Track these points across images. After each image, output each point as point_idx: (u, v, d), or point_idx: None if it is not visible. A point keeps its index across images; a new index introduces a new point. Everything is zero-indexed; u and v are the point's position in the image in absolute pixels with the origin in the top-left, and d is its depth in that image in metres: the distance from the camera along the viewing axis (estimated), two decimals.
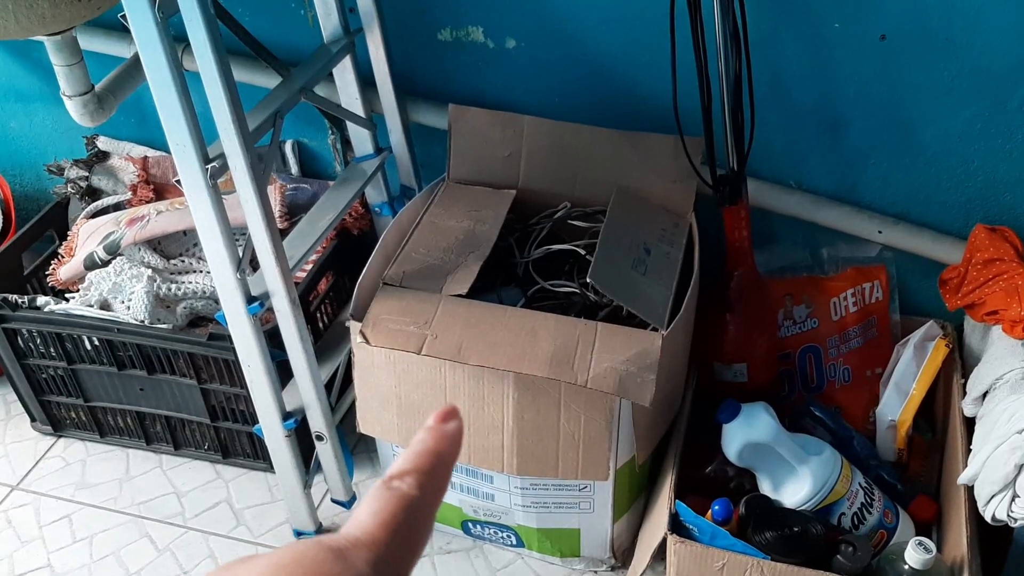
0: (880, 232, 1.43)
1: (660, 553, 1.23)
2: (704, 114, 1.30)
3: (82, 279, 1.58)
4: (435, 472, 0.35)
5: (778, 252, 1.52)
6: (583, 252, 1.37)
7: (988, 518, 1.13)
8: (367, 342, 1.19)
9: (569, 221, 1.43)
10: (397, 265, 1.29)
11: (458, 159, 1.46)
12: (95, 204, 1.73)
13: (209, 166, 1.10)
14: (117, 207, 1.73)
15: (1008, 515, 1.10)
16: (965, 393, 1.30)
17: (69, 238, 1.66)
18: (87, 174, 1.77)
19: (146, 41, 1.01)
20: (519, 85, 1.49)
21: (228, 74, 1.06)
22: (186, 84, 1.05)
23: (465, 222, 1.37)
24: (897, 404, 1.39)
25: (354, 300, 1.26)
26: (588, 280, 1.21)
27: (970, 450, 1.22)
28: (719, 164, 1.34)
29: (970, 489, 1.18)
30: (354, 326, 1.23)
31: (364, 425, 1.36)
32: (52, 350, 1.55)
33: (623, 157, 1.41)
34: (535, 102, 1.48)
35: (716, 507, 1.22)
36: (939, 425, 1.44)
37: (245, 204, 1.15)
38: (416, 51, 1.50)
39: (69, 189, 1.77)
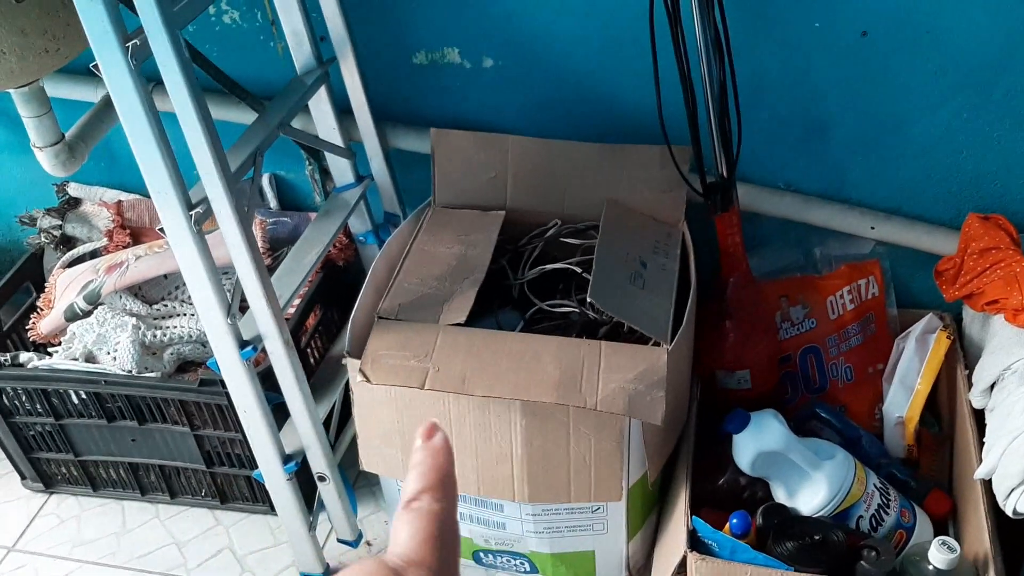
0: (872, 228, 1.42)
1: (680, 570, 1.21)
2: (690, 122, 1.28)
3: (64, 331, 1.54)
4: (444, 483, 0.38)
5: (770, 254, 1.51)
6: (579, 270, 1.34)
7: (1009, 512, 1.11)
8: (368, 380, 1.16)
9: (560, 239, 1.41)
10: (391, 298, 1.26)
11: (443, 183, 1.44)
12: (71, 253, 1.69)
13: (193, 212, 1.06)
14: (93, 254, 1.69)
15: None
16: (970, 384, 1.29)
17: (47, 290, 1.62)
18: (60, 222, 1.72)
19: (120, 90, 0.97)
20: (500, 104, 1.46)
21: (208, 119, 1.02)
22: (164, 131, 1.01)
23: (456, 247, 1.35)
24: (903, 400, 1.38)
25: (349, 336, 1.23)
26: (588, 299, 1.18)
27: (982, 442, 1.21)
28: (708, 171, 1.32)
29: (987, 483, 1.17)
30: (352, 364, 1.20)
31: (367, 463, 1.33)
32: (38, 406, 1.51)
33: (610, 170, 1.39)
34: (517, 121, 1.46)
35: (734, 520, 1.20)
36: (945, 418, 1.43)
37: (232, 248, 1.12)
38: (392, 76, 1.47)
39: (43, 239, 1.72)
